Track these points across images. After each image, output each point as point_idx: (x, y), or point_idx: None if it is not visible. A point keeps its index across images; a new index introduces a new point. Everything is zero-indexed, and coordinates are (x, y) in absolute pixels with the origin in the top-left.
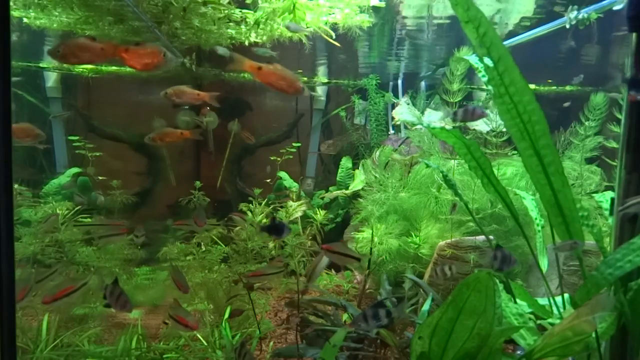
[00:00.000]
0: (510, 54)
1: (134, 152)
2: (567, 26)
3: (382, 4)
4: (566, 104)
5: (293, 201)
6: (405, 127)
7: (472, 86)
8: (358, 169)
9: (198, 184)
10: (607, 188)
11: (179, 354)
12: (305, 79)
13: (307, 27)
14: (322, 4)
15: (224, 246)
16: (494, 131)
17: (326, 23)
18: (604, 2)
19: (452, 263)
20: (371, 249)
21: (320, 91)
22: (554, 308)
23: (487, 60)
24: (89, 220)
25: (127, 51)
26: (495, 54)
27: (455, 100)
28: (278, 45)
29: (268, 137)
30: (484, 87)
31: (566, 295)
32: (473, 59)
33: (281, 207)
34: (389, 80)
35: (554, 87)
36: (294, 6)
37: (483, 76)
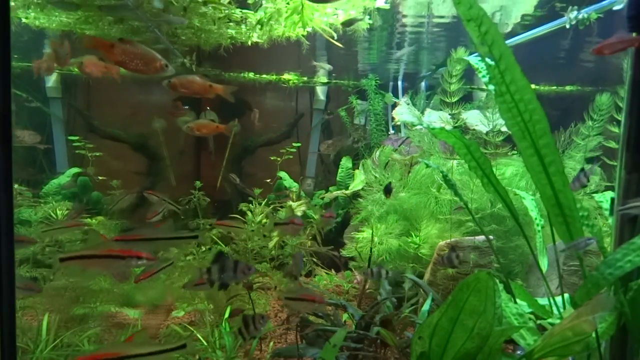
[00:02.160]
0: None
1: (134, 152)
2: (567, 26)
3: (387, 6)
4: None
5: (293, 201)
6: (405, 127)
7: (472, 86)
8: (358, 169)
9: (198, 184)
10: (607, 188)
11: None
12: (305, 78)
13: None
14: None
15: (224, 246)
16: (492, 131)
17: (328, 24)
18: (604, 2)
19: (382, 269)
20: (371, 249)
21: (320, 91)
22: (554, 308)
23: (488, 59)
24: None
25: (112, 46)
26: (497, 52)
27: (454, 101)
28: (277, 45)
29: (268, 137)
30: (484, 87)
31: (566, 295)
32: (473, 59)
33: (281, 207)
34: (389, 81)
35: (554, 87)
36: (302, 7)
37: (483, 77)
